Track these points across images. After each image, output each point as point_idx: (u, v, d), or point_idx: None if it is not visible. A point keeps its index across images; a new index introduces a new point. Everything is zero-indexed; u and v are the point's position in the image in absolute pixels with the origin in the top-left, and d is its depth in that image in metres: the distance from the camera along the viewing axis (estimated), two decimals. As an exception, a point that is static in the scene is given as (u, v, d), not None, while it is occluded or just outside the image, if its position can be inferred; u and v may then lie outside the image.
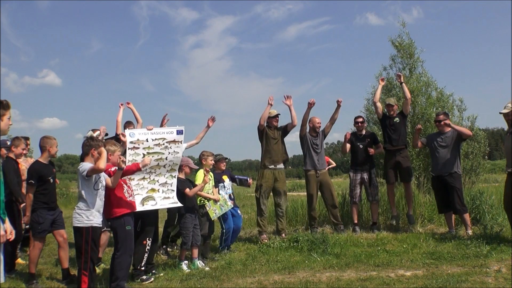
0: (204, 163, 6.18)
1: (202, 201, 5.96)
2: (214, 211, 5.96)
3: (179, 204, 5.35)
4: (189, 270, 5.36)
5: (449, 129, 6.91)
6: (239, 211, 6.71)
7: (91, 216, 4.23)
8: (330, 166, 8.31)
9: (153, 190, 5.14)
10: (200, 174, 6.05)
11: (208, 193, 5.97)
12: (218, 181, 6.41)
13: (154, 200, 5.07)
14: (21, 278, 5.22)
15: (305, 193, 7.86)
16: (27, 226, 6.54)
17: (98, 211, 4.32)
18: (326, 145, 7.83)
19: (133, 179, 4.99)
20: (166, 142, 5.21)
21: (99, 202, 4.35)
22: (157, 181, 5.19)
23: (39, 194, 5.04)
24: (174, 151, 5.26)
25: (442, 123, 6.85)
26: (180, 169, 5.62)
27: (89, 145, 4.37)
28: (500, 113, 6.09)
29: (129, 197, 4.69)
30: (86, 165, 4.25)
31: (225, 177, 6.57)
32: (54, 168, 5.34)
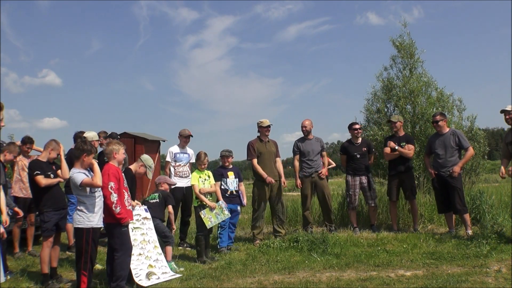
0: (197, 163, 6.32)
1: (198, 202, 6.00)
2: (210, 219, 5.96)
3: (177, 276, 5.35)
4: (182, 269, 5.43)
5: (447, 129, 6.91)
6: (239, 208, 6.72)
7: (92, 217, 4.29)
8: (330, 166, 8.29)
9: (151, 266, 5.21)
10: (194, 175, 6.11)
11: (207, 198, 6.05)
12: (221, 175, 6.46)
13: (156, 274, 5.12)
14: (21, 278, 5.24)
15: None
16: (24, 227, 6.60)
17: (99, 211, 4.34)
18: (326, 145, 7.80)
19: (133, 253, 4.98)
20: (142, 218, 5.43)
21: (99, 203, 4.37)
22: (150, 257, 5.27)
23: (44, 193, 5.03)
24: (148, 227, 5.44)
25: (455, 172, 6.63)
26: (160, 186, 6.05)
27: (81, 150, 4.39)
28: (502, 110, 6.09)
29: (128, 205, 4.71)
30: (79, 177, 4.27)
31: (230, 173, 6.58)
32: (54, 166, 5.30)
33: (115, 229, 4.53)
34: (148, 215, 5.52)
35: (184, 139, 7.13)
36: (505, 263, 4.99)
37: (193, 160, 7.16)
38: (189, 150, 7.22)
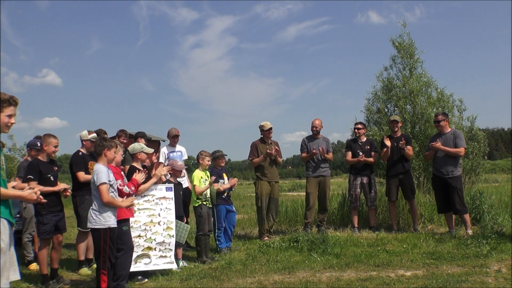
0: (201, 162, 6.24)
1: (198, 202, 5.99)
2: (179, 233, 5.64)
3: (175, 265, 5.32)
4: (179, 270, 5.40)
5: (449, 129, 6.91)
6: (233, 207, 6.75)
7: (108, 217, 4.28)
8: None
9: (149, 248, 5.13)
10: (197, 174, 6.09)
11: (202, 198, 6.06)
12: (219, 177, 6.51)
13: (149, 258, 5.04)
14: (22, 278, 5.23)
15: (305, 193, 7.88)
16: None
17: (114, 211, 4.35)
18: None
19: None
20: (156, 199, 5.32)
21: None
22: (154, 239, 5.19)
23: (42, 195, 4.98)
24: (166, 207, 5.34)
25: (432, 145, 6.80)
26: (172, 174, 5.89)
27: (102, 146, 4.43)
28: None
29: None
30: (100, 178, 4.24)
31: (224, 175, 6.62)
32: (56, 166, 5.20)
33: (117, 229, 4.54)
34: (168, 194, 5.37)
35: (173, 138, 7.18)
36: (505, 263, 4.99)
37: (185, 157, 7.18)
38: (180, 147, 7.26)
